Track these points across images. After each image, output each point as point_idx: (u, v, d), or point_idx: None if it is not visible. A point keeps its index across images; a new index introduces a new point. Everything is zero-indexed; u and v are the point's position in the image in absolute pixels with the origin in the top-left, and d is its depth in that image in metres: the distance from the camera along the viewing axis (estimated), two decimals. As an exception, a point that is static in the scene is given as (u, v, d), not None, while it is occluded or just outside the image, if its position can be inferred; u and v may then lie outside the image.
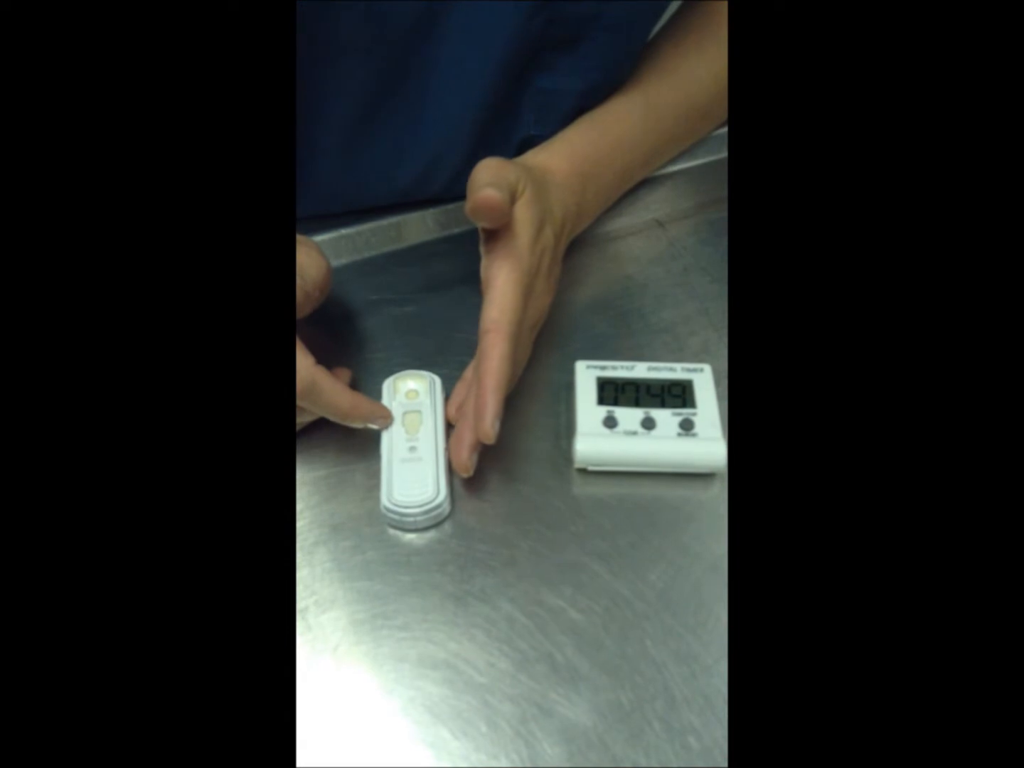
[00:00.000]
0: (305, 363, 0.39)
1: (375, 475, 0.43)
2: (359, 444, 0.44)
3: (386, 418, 0.43)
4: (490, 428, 0.38)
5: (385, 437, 0.43)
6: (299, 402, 0.40)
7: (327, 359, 0.41)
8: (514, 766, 0.34)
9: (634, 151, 0.53)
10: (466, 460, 0.41)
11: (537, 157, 0.49)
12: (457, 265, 0.54)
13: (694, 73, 0.55)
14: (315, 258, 0.43)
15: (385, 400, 0.45)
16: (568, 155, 0.49)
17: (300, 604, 0.39)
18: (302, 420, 0.43)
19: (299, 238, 0.44)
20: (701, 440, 0.43)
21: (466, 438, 0.41)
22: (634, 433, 0.43)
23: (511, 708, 0.36)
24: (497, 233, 0.42)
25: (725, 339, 0.50)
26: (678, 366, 0.45)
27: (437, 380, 0.46)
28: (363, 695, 0.36)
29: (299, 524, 0.42)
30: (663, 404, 0.44)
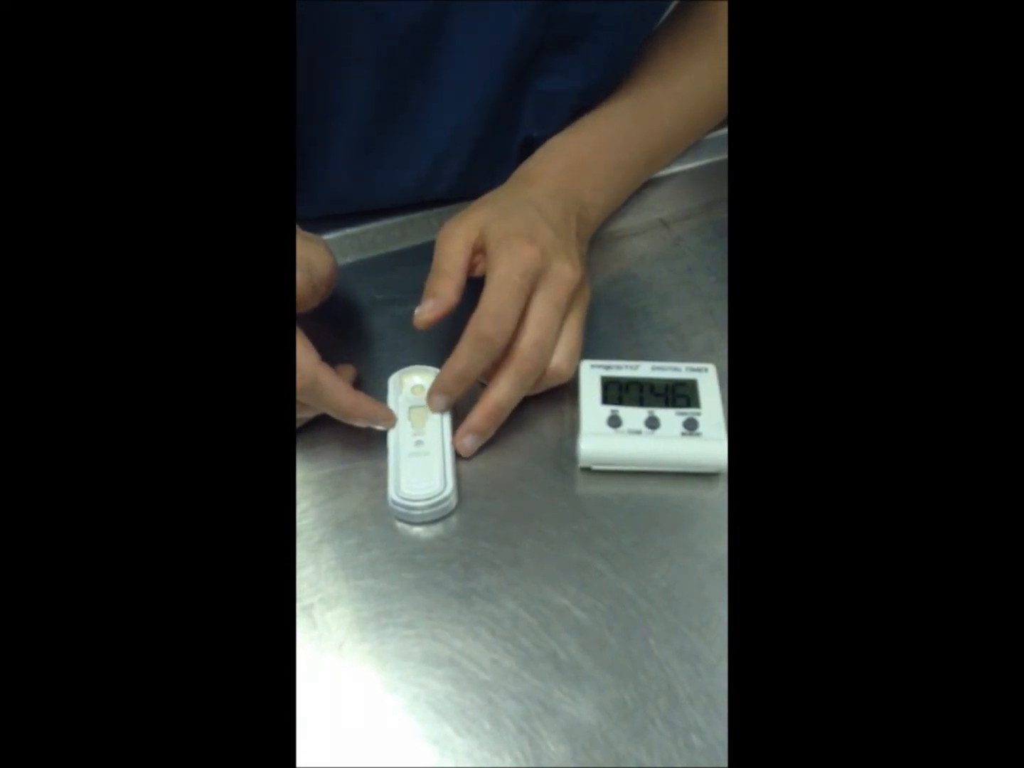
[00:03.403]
0: (308, 360, 0.39)
1: (380, 472, 0.43)
2: (364, 441, 0.44)
3: (389, 419, 0.43)
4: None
5: (392, 432, 0.43)
6: (300, 398, 0.40)
7: (332, 357, 0.41)
8: (518, 764, 0.34)
9: (630, 147, 0.53)
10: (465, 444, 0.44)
11: (525, 168, 0.51)
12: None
13: (690, 72, 0.55)
14: (322, 253, 0.43)
15: (391, 396, 0.45)
16: (552, 159, 0.51)
17: (306, 602, 0.39)
18: (304, 416, 0.43)
19: (306, 234, 0.44)
20: (705, 440, 0.43)
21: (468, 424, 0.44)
22: (638, 432, 0.43)
23: (515, 706, 0.36)
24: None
25: (729, 339, 0.50)
26: (683, 366, 0.46)
27: None
28: (367, 692, 0.36)
29: (304, 522, 0.42)
30: (667, 404, 0.44)
